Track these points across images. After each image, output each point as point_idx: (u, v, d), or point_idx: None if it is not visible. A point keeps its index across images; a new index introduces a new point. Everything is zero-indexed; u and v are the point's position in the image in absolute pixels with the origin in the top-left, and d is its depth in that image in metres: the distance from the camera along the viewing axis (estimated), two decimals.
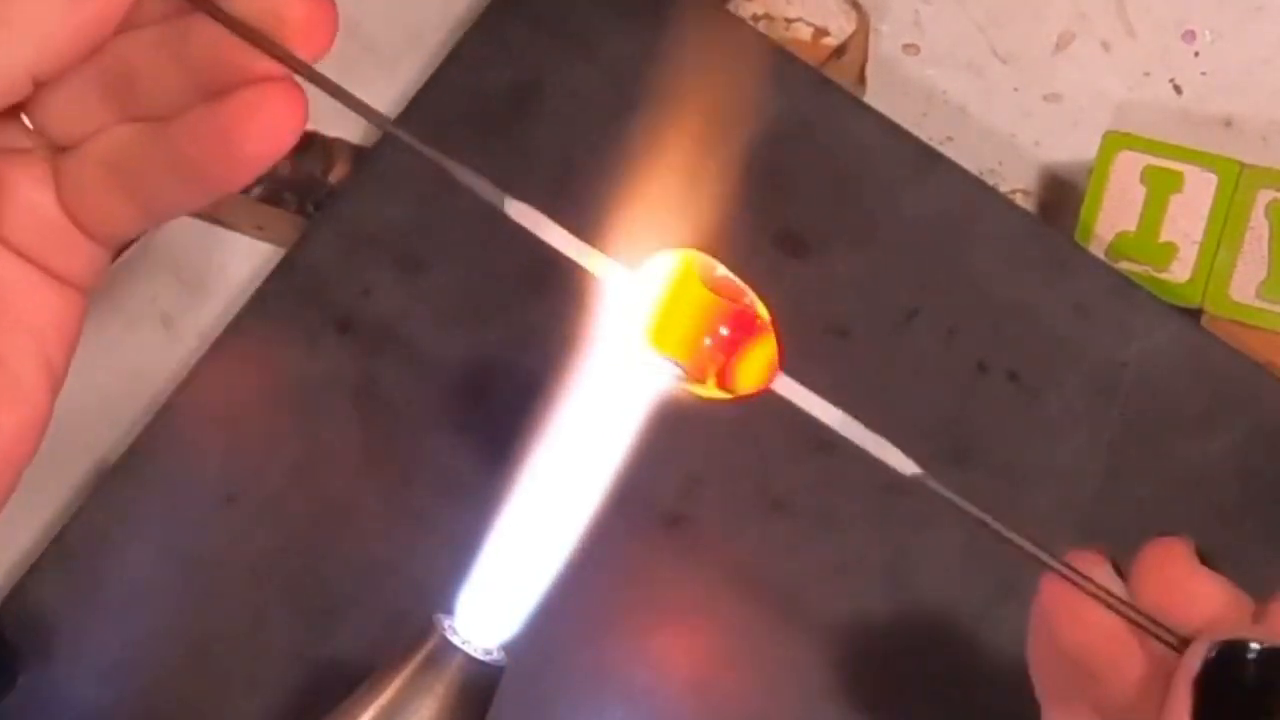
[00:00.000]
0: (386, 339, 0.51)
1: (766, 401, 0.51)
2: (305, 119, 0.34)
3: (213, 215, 0.55)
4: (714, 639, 0.48)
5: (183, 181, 0.35)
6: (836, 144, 0.53)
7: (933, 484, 0.39)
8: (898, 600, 0.49)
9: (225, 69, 0.34)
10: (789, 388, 0.39)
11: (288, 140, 0.35)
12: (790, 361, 0.51)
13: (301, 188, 0.54)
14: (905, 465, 0.39)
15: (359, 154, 0.55)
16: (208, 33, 0.34)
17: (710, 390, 0.38)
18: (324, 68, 0.57)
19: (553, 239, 0.39)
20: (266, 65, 0.34)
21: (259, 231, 0.55)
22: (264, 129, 0.34)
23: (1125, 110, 0.58)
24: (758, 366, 0.38)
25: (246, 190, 0.54)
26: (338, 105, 0.56)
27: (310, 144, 0.55)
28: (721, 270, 0.38)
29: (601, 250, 0.38)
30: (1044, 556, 0.37)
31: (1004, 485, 0.50)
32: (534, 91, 0.53)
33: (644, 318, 0.37)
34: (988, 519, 0.38)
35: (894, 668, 0.48)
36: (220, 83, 0.34)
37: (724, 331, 0.37)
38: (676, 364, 0.37)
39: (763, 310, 0.38)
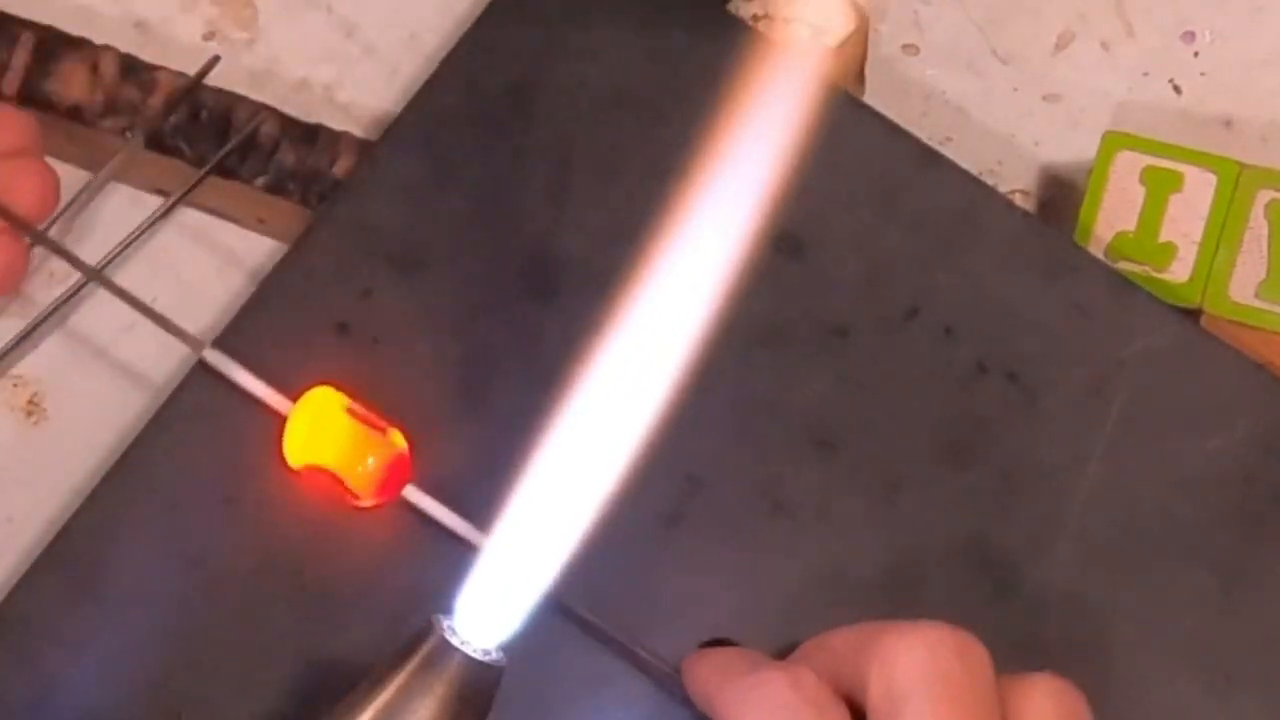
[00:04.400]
0: (386, 339, 0.51)
1: (767, 401, 0.51)
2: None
3: (214, 207, 0.56)
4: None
5: None
6: (836, 144, 0.53)
7: None
8: (898, 600, 0.49)
9: None
10: (417, 496, 0.48)
11: None
12: (790, 362, 0.51)
13: (306, 179, 0.54)
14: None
15: (364, 148, 0.55)
16: None
17: (362, 498, 0.47)
18: (324, 68, 0.57)
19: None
20: None
21: (261, 225, 0.55)
22: None
23: (1125, 110, 0.58)
24: (396, 481, 0.47)
25: (250, 180, 0.54)
26: (341, 102, 0.56)
27: (316, 137, 0.55)
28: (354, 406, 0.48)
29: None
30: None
31: (1003, 485, 0.50)
32: (534, 91, 0.53)
33: (309, 437, 0.47)
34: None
35: None
36: None
37: (373, 460, 0.47)
38: (330, 472, 0.47)
39: (400, 438, 0.47)
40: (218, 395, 0.50)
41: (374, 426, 0.47)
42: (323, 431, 0.47)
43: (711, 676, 0.42)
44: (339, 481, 0.47)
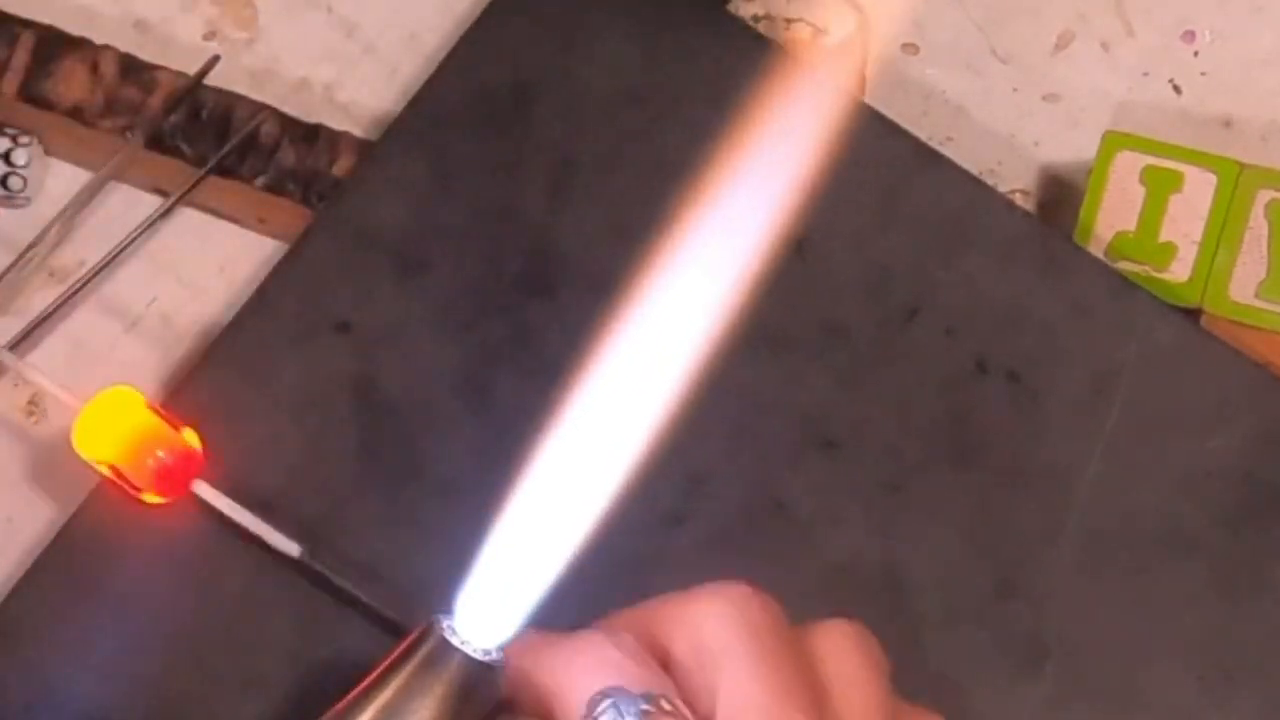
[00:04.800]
0: (386, 339, 0.51)
1: (768, 401, 0.51)
2: None
3: (214, 207, 0.56)
4: None
5: None
6: (836, 144, 0.53)
7: (315, 564, 0.48)
8: (898, 600, 0.49)
9: None
10: (206, 491, 0.48)
11: None
12: (790, 362, 0.51)
13: (306, 179, 0.54)
14: (290, 548, 0.48)
15: (363, 148, 0.55)
16: None
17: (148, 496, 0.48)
18: (324, 68, 0.57)
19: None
20: None
21: (261, 225, 0.55)
22: None
23: (1125, 110, 0.58)
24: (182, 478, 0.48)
25: (250, 179, 0.54)
26: (341, 102, 0.56)
27: (316, 137, 0.55)
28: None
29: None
30: None
31: (1004, 485, 0.50)
32: (534, 91, 0.53)
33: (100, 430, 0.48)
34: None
35: (893, 668, 0.48)
36: None
37: (161, 455, 0.48)
38: (114, 468, 0.48)
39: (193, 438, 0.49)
40: (218, 395, 0.50)
41: (168, 423, 0.48)
42: (108, 428, 0.48)
43: (524, 654, 0.39)
44: (124, 476, 0.48)
